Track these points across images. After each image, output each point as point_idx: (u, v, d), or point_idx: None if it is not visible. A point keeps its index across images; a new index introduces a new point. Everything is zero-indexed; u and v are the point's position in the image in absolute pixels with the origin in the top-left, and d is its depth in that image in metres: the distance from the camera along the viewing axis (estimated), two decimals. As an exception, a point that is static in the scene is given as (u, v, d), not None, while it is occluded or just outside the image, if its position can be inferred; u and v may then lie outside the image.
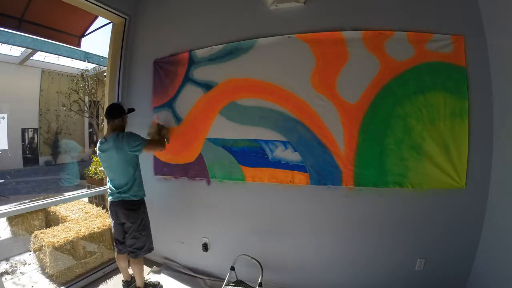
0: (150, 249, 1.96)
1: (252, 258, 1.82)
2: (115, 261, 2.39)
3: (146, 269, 2.32)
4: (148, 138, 2.07)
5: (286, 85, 1.90)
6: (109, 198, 1.89)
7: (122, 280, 2.03)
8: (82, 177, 5.97)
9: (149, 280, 2.09)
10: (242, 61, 2.00)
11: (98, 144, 1.88)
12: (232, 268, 1.87)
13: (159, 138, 2.11)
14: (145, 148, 1.85)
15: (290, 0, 1.85)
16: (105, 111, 1.90)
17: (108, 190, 1.89)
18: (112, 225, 1.93)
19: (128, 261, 1.98)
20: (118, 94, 2.46)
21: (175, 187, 2.33)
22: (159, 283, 2.08)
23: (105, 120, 2.56)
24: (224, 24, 2.09)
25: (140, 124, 2.43)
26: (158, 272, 2.26)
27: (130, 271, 2.02)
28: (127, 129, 1.96)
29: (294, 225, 1.98)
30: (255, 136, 1.99)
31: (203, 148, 2.15)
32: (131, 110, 2.00)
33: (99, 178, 4.12)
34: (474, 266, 1.70)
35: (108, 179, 1.91)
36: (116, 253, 1.97)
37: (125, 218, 1.84)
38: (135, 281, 1.99)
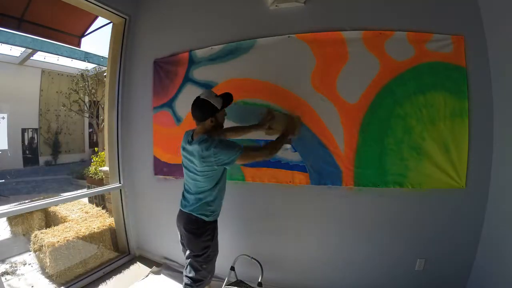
0: (205, 283, 1.57)
1: (252, 258, 1.82)
2: (115, 261, 2.41)
3: (146, 269, 2.32)
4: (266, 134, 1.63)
5: (286, 85, 1.90)
6: (179, 205, 1.57)
7: None
8: (82, 177, 5.97)
9: None
10: (242, 61, 2.00)
11: (183, 140, 1.54)
12: (232, 268, 1.87)
13: (277, 142, 1.57)
14: (244, 155, 1.38)
15: (290, 0, 1.85)
16: (191, 109, 1.46)
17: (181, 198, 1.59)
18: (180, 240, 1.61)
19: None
20: (118, 94, 2.46)
21: (175, 187, 2.32)
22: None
23: (106, 119, 2.58)
24: (224, 24, 2.09)
25: (140, 124, 2.44)
26: (158, 272, 2.26)
27: None
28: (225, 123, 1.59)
29: (294, 225, 1.98)
30: (255, 136, 1.98)
31: (203, 148, 2.15)
32: (227, 99, 1.50)
33: (99, 178, 4.13)
34: (474, 266, 1.70)
35: (183, 184, 1.59)
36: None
37: (185, 239, 1.51)
38: None
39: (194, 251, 1.49)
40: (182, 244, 1.59)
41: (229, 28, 2.06)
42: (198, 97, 1.47)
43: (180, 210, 1.55)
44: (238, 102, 2.02)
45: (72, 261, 2.22)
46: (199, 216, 1.45)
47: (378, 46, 1.72)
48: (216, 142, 1.37)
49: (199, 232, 1.46)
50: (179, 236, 1.59)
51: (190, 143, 1.45)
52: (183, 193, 1.58)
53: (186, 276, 1.53)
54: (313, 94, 1.84)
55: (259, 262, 1.78)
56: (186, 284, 1.52)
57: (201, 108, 1.43)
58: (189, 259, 1.51)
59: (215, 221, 1.55)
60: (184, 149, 1.51)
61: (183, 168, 1.56)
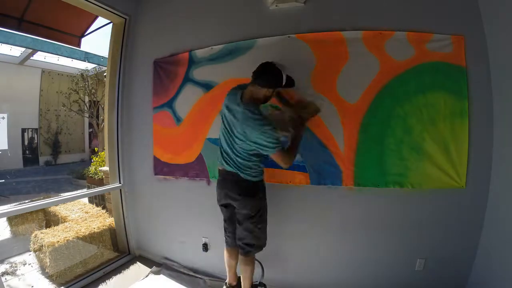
0: (262, 246, 1.59)
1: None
2: (115, 261, 2.41)
3: (146, 269, 2.32)
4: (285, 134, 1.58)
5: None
6: (219, 165, 1.51)
7: (226, 283, 1.71)
8: (82, 177, 5.97)
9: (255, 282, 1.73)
10: (242, 61, 2.00)
11: (228, 97, 1.49)
12: None
13: (295, 142, 1.55)
14: (275, 155, 1.38)
15: (290, 0, 1.85)
16: (256, 70, 1.41)
17: (220, 158, 1.52)
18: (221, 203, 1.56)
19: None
20: (118, 94, 2.46)
21: (175, 187, 2.33)
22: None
23: (106, 119, 2.58)
24: (224, 24, 2.09)
25: (140, 124, 2.44)
26: (158, 272, 2.26)
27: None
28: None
29: (293, 225, 1.98)
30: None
31: (203, 148, 2.15)
32: (290, 84, 1.50)
33: (99, 178, 4.13)
34: (474, 266, 1.70)
35: (220, 142, 1.53)
36: (225, 246, 1.66)
37: (236, 201, 1.46)
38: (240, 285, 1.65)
39: (250, 210, 1.45)
40: (225, 207, 1.55)
41: (229, 28, 2.06)
42: (273, 64, 1.43)
43: (224, 170, 1.48)
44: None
45: (72, 261, 2.22)
46: (249, 177, 1.44)
47: (378, 46, 1.72)
48: (264, 119, 1.34)
49: (252, 191, 1.45)
50: (220, 199, 1.54)
51: (238, 104, 1.40)
52: (221, 152, 1.50)
53: (244, 243, 1.51)
54: (313, 94, 1.84)
55: (260, 262, 1.78)
56: (240, 248, 1.52)
57: (273, 74, 1.39)
58: (242, 224, 1.48)
59: (262, 183, 1.54)
60: (228, 108, 1.45)
61: (221, 132, 1.52)
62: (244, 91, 1.46)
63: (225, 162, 1.50)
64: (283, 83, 1.42)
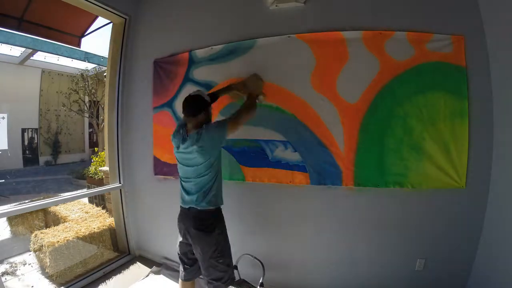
0: (233, 278, 1.54)
1: (254, 257, 1.82)
2: (115, 261, 2.41)
3: (146, 269, 2.32)
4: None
5: (286, 85, 1.90)
6: (180, 205, 1.56)
7: None
8: (82, 177, 5.97)
9: None
10: (242, 61, 2.00)
11: (174, 138, 1.55)
12: (235, 267, 1.86)
13: (246, 102, 1.65)
14: (230, 126, 1.47)
15: (290, 0, 1.85)
16: (183, 107, 1.49)
17: (180, 197, 1.58)
18: (178, 241, 1.57)
19: None
20: (118, 94, 2.46)
21: (175, 187, 2.31)
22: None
23: (106, 119, 2.58)
24: (224, 24, 2.09)
25: (140, 124, 2.44)
26: (158, 272, 2.26)
27: None
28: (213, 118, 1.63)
29: (294, 225, 1.98)
30: (255, 136, 1.99)
31: (203, 148, 2.15)
32: (214, 97, 1.64)
33: (99, 178, 4.13)
34: (474, 266, 1.70)
35: (180, 183, 1.58)
36: (179, 278, 1.61)
37: (194, 240, 1.47)
38: None
39: (208, 248, 1.45)
40: (185, 244, 1.55)
41: (229, 28, 2.06)
42: (189, 95, 1.53)
43: (183, 209, 1.54)
44: (238, 102, 2.02)
45: (72, 261, 2.22)
46: (206, 207, 1.47)
47: (378, 46, 1.72)
48: (204, 127, 1.45)
49: (209, 227, 1.46)
50: (181, 237, 1.56)
51: (184, 141, 1.48)
52: (183, 195, 1.56)
53: (206, 277, 1.49)
54: (313, 94, 1.84)
55: (261, 262, 1.78)
56: (209, 283, 1.49)
57: (195, 102, 1.49)
58: (205, 262, 1.47)
59: (218, 211, 1.56)
60: (179, 150, 1.52)
61: (180, 168, 1.57)
62: (186, 128, 1.54)
63: (183, 200, 1.55)
64: (209, 101, 1.54)
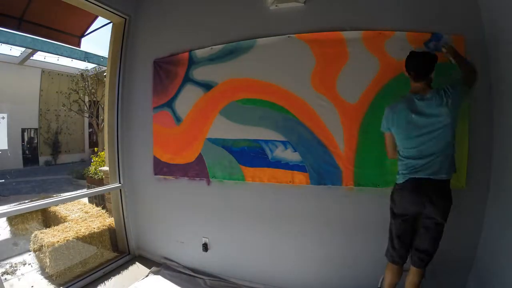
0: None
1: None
2: (115, 261, 2.41)
3: (146, 269, 2.32)
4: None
5: (286, 85, 1.90)
6: (412, 176, 1.39)
7: None
8: (82, 177, 5.97)
9: None
10: (242, 61, 2.00)
11: (397, 104, 1.44)
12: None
13: (464, 63, 1.50)
14: (465, 84, 1.39)
15: (290, 0, 1.85)
16: (413, 66, 1.42)
17: (406, 168, 1.42)
18: (396, 221, 1.46)
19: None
20: (118, 94, 2.46)
21: (175, 187, 2.33)
22: None
23: (106, 119, 2.58)
24: (224, 24, 2.09)
25: (140, 124, 2.44)
26: (157, 273, 2.26)
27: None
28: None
29: (294, 225, 1.98)
30: (255, 136, 1.99)
31: (203, 148, 2.15)
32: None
33: (99, 178, 4.13)
34: (474, 266, 1.70)
35: (406, 152, 1.43)
36: (391, 263, 1.53)
37: (435, 210, 1.35)
38: None
39: (444, 219, 1.38)
40: (412, 220, 1.45)
41: (229, 28, 2.07)
42: (424, 52, 1.45)
43: (426, 180, 1.37)
44: (238, 102, 2.02)
45: (72, 261, 2.22)
46: (447, 176, 1.37)
47: (378, 46, 1.72)
48: (444, 86, 1.36)
49: (450, 194, 1.38)
50: (409, 210, 1.43)
51: (422, 99, 1.38)
52: (415, 164, 1.39)
53: (422, 253, 1.42)
54: (313, 94, 1.84)
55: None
56: (420, 260, 1.43)
57: (431, 61, 1.40)
58: (432, 234, 1.40)
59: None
60: (414, 112, 1.38)
61: (413, 140, 1.41)
62: (411, 94, 1.44)
63: (415, 169, 1.41)
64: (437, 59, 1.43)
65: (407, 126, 1.42)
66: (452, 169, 1.41)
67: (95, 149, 6.33)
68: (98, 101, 9.17)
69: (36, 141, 10.44)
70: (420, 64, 1.41)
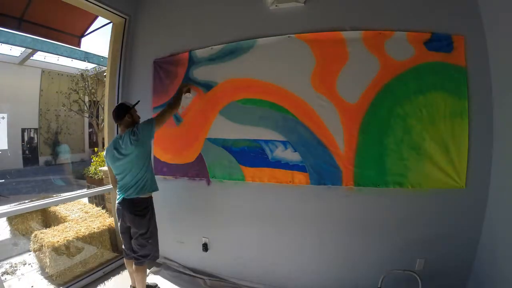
0: (156, 257, 1.91)
1: (404, 271, 1.65)
2: (115, 261, 2.41)
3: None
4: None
5: (286, 85, 1.90)
6: (117, 198, 1.84)
7: (131, 286, 1.98)
8: (82, 177, 5.97)
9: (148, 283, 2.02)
10: (242, 61, 2.00)
11: (110, 143, 1.82)
12: None
13: (171, 99, 2.02)
14: (157, 122, 1.83)
15: (290, 0, 1.85)
16: (112, 118, 1.86)
17: (117, 192, 1.85)
18: (119, 228, 1.87)
19: None
20: (118, 94, 2.46)
21: (175, 187, 2.33)
22: (156, 285, 2.08)
23: (106, 119, 2.58)
24: (224, 24, 2.09)
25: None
26: (157, 273, 2.26)
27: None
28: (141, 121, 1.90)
29: (294, 225, 1.98)
30: (255, 136, 1.99)
31: (203, 148, 2.15)
32: (135, 103, 1.92)
33: (99, 178, 4.12)
34: (474, 266, 1.70)
35: (117, 180, 1.85)
36: (125, 257, 1.95)
37: (130, 222, 1.79)
38: None
39: (140, 228, 1.79)
40: (125, 228, 1.83)
41: (229, 28, 2.06)
42: (116, 106, 1.87)
43: (120, 201, 1.80)
44: (238, 102, 2.02)
45: (72, 261, 2.21)
46: (141, 195, 1.79)
47: (378, 46, 1.72)
48: (135, 126, 1.79)
49: (142, 211, 1.79)
50: (120, 223, 1.83)
51: (120, 139, 1.76)
52: (120, 189, 1.81)
53: (135, 253, 1.82)
54: (313, 94, 1.84)
55: (417, 274, 1.59)
56: (135, 259, 1.81)
57: (117, 110, 1.81)
58: (137, 240, 1.80)
59: (150, 199, 1.88)
60: (115, 150, 1.76)
61: (115, 170, 1.81)
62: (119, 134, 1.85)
63: (120, 193, 1.82)
64: (131, 107, 1.83)
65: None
66: (151, 186, 1.87)
67: (95, 149, 6.33)
68: (98, 101, 9.18)
69: (36, 141, 10.44)
70: (113, 114, 1.82)
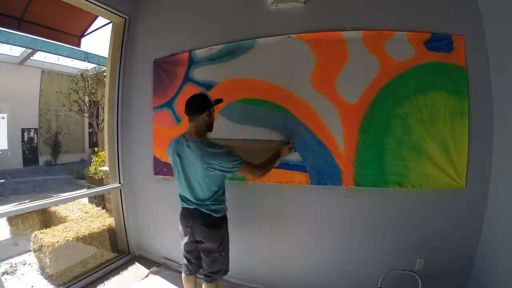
0: (226, 271, 1.63)
1: (404, 271, 1.62)
2: (115, 261, 2.41)
3: (146, 269, 2.32)
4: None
5: (286, 85, 1.90)
6: (182, 205, 1.56)
7: None
8: (82, 177, 5.97)
9: None
10: (242, 61, 2.00)
11: (172, 142, 1.55)
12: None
13: (266, 161, 1.62)
14: (241, 171, 1.42)
15: (290, 0, 1.85)
16: (185, 106, 1.49)
17: (179, 199, 1.58)
18: (183, 240, 1.59)
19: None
20: (118, 94, 2.46)
21: (175, 187, 2.32)
22: None
23: (106, 119, 2.58)
24: (224, 24, 2.09)
25: (140, 124, 2.44)
26: (157, 273, 2.26)
27: None
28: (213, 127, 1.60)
29: (294, 225, 1.98)
30: (255, 136, 1.99)
31: (203, 148, 2.15)
32: (219, 101, 1.60)
33: (99, 178, 4.13)
34: (474, 266, 1.70)
35: (179, 185, 1.56)
36: (183, 273, 1.67)
37: (202, 236, 1.49)
38: None
39: (215, 242, 1.51)
40: (192, 243, 1.57)
41: (229, 28, 2.06)
42: (194, 94, 1.53)
43: (188, 211, 1.54)
44: (238, 102, 2.02)
45: (72, 261, 2.22)
46: (213, 213, 1.48)
47: (378, 46, 1.72)
48: (216, 148, 1.39)
49: (217, 224, 1.51)
50: (187, 236, 1.57)
51: (186, 146, 1.44)
52: (185, 198, 1.55)
53: (206, 270, 1.57)
54: (313, 94, 1.84)
55: (417, 274, 1.57)
56: (206, 276, 1.57)
57: (198, 99, 1.46)
58: (210, 255, 1.54)
59: (225, 216, 1.59)
60: (178, 154, 1.49)
61: (177, 176, 1.54)
62: (184, 133, 1.52)
63: (186, 202, 1.54)
64: (212, 102, 1.51)
65: None
66: (221, 207, 1.55)
67: (95, 149, 6.33)
68: (98, 101, 9.18)
69: (36, 141, 10.43)
70: (188, 102, 1.48)
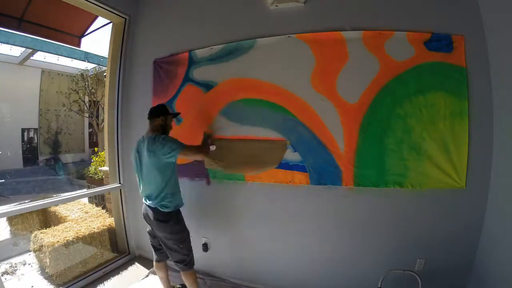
0: (190, 262, 1.78)
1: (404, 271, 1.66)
2: (115, 261, 2.41)
3: (146, 269, 2.32)
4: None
5: (286, 85, 1.90)
6: (143, 201, 1.79)
7: None
8: (82, 177, 5.97)
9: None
10: (242, 61, 2.00)
11: (136, 143, 1.77)
12: None
13: (200, 144, 1.92)
14: (181, 153, 1.64)
15: (290, 0, 1.85)
16: (148, 112, 1.77)
17: (140, 194, 1.81)
18: (147, 230, 1.82)
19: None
20: (118, 94, 2.46)
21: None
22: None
23: (106, 119, 2.58)
24: (224, 24, 2.09)
25: (140, 124, 2.44)
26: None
27: (172, 281, 1.98)
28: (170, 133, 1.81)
29: (294, 225, 1.98)
30: (255, 136, 1.99)
31: (203, 148, 2.15)
32: (176, 114, 1.93)
33: (99, 178, 4.12)
34: (474, 266, 1.70)
35: (139, 182, 1.80)
36: (154, 261, 1.88)
37: (154, 227, 1.73)
38: None
39: (167, 235, 1.70)
40: (152, 232, 1.79)
41: (229, 28, 2.06)
42: (158, 104, 1.81)
43: (146, 206, 1.76)
44: (238, 102, 2.02)
45: (72, 261, 2.22)
46: (162, 208, 1.67)
47: (378, 46, 1.72)
48: (161, 137, 1.65)
49: (166, 219, 1.69)
50: (148, 227, 1.80)
51: (141, 142, 1.71)
52: (143, 193, 1.77)
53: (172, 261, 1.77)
54: (313, 94, 1.84)
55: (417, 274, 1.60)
56: (178, 267, 1.76)
57: (158, 107, 1.77)
58: (167, 247, 1.74)
59: (175, 211, 1.74)
60: (136, 151, 1.72)
61: (136, 173, 1.78)
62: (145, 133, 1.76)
63: (144, 198, 1.77)
64: (169, 113, 1.78)
65: None
66: (170, 202, 1.71)
67: (95, 149, 6.32)
68: (98, 101, 9.16)
69: (36, 141, 10.43)
70: (149, 111, 1.76)
